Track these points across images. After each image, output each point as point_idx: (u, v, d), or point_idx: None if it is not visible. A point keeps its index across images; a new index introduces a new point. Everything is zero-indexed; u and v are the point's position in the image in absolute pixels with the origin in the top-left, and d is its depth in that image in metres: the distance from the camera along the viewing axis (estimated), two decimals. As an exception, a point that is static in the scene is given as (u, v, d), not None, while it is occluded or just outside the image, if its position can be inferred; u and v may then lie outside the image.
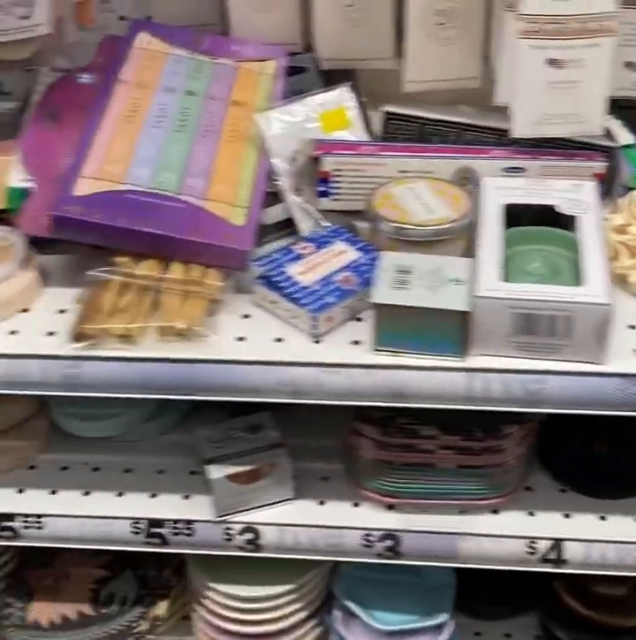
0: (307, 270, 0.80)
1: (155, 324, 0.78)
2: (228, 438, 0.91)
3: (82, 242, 0.83)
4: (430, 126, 0.91)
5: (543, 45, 0.81)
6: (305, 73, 0.97)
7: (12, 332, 0.80)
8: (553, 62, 0.82)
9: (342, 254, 0.82)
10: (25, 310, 0.82)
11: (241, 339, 0.79)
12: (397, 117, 0.92)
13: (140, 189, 0.83)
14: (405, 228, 0.80)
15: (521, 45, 0.81)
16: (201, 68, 0.99)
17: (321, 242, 0.83)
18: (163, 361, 0.77)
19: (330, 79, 1.00)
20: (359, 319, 0.81)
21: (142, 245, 0.81)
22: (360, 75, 1.02)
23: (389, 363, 0.75)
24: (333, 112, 0.92)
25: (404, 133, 0.92)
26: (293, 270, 0.80)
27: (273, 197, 0.89)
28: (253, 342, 0.78)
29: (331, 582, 1.00)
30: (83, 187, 0.82)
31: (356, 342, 0.78)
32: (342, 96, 0.93)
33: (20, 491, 0.93)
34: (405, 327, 0.74)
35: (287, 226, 0.91)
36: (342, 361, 0.76)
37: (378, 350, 0.76)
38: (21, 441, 0.95)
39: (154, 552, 0.94)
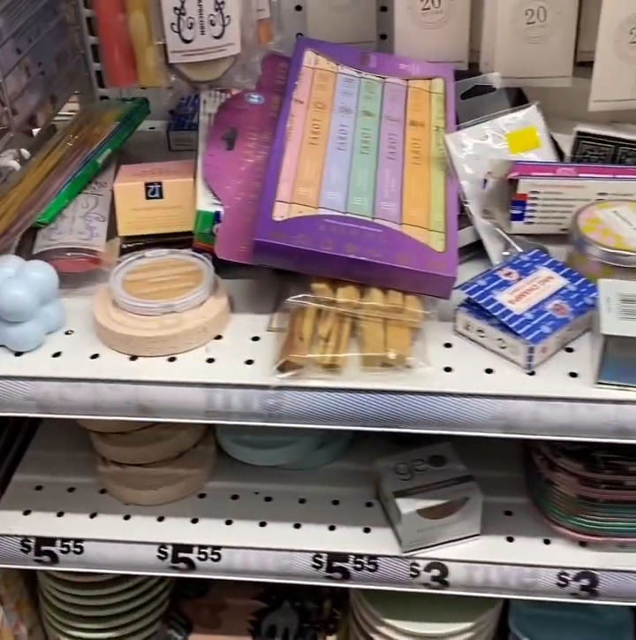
0: (517, 298, 0.76)
1: (363, 354, 0.75)
2: (412, 470, 0.87)
3: (277, 268, 0.81)
4: (624, 147, 0.88)
5: None
6: (491, 93, 0.94)
7: (210, 360, 0.78)
8: None
9: (549, 280, 0.79)
10: (218, 337, 0.80)
11: (448, 369, 0.76)
12: (590, 137, 0.88)
13: (336, 214, 0.80)
14: (622, 254, 0.76)
15: None
16: (372, 87, 0.97)
17: (524, 268, 0.80)
18: (371, 392, 0.74)
19: (503, 98, 0.98)
20: (569, 349, 0.77)
21: (342, 271, 0.78)
22: (530, 93, 1.00)
23: (615, 397, 0.72)
24: (521, 132, 0.89)
25: (596, 153, 0.88)
26: (503, 297, 0.76)
27: (461, 219, 0.86)
28: (461, 373, 0.75)
29: (503, 618, 0.97)
30: (280, 212, 0.79)
31: (573, 374, 0.74)
32: (530, 116, 0.90)
33: (194, 521, 0.91)
34: (632, 359, 0.70)
35: (472, 250, 0.88)
36: (563, 394, 0.72)
37: (600, 383, 0.72)
38: (191, 469, 0.93)
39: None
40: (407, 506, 0.84)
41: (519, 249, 0.84)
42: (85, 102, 1.18)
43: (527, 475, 0.90)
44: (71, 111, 1.13)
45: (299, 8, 1.09)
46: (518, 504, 0.90)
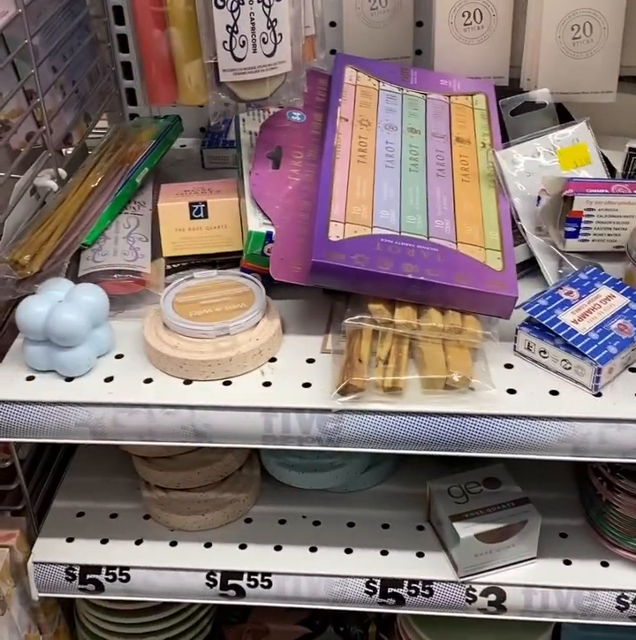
0: (581, 318, 0.75)
1: (425, 376, 0.73)
2: (466, 492, 0.86)
3: (332, 289, 0.79)
4: (678, 163, 0.87)
5: None
6: (538, 110, 0.93)
7: (266, 384, 0.76)
8: None
9: (610, 299, 0.77)
10: (273, 359, 0.79)
11: (512, 391, 0.74)
12: (643, 152, 0.87)
13: (391, 233, 0.79)
14: (687, 273, 0.75)
15: None
16: (415, 104, 0.96)
17: (584, 287, 0.78)
18: (435, 415, 0.73)
19: (547, 114, 0.97)
20: (633, 370, 0.76)
21: (400, 291, 0.76)
22: (572, 109, 0.99)
23: (686, 418, 0.71)
24: (572, 149, 0.88)
25: (649, 169, 0.88)
26: (566, 317, 0.75)
27: (514, 237, 0.85)
28: (526, 395, 0.74)
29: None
30: (336, 232, 0.78)
31: (640, 395, 0.73)
32: (580, 132, 0.89)
33: (242, 547, 0.89)
34: None
35: (525, 267, 0.87)
36: (631, 416, 0.71)
37: (670, 404, 0.71)
38: (237, 493, 0.91)
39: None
40: (465, 530, 0.82)
41: (574, 267, 0.83)
42: (115, 119, 1.16)
43: (582, 496, 0.89)
44: (101, 129, 1.12)
45: (333, 24, 1.08)
46: (574, 526, 0.88)
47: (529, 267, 0.86)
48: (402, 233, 0.79)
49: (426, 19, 1.04)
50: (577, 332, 0.74)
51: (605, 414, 0.72)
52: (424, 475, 0.91)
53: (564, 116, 0.98)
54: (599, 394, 0.73)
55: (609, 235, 0.84)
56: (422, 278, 0.75)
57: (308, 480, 0.92)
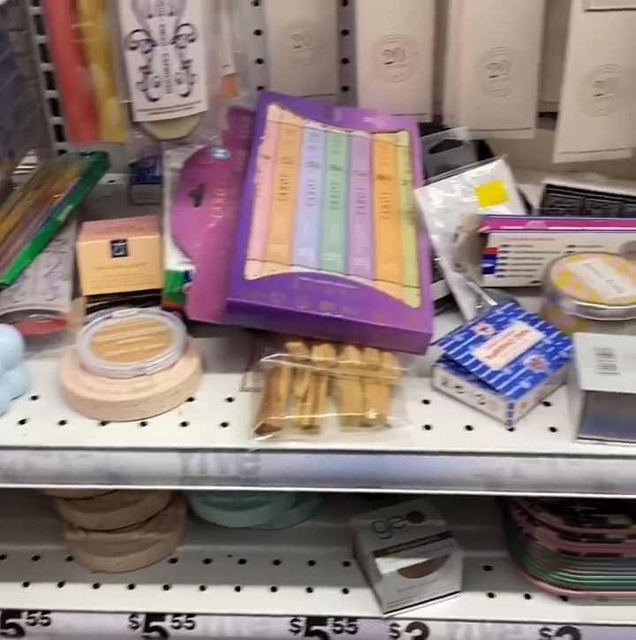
0: (494, 353, 0.76)
1: (343, 414, 0.74)
2: (391, 527, 0.86)
3: (251, 327, 0.79)
4: (591, 199, 0.89)
5: None
6: (459, 147, 0.95)
7: (184, 424, 0.76)
8: None
9: (524, 334, 0.78)
10: (191, 399, 0.78)
11: (428, 427, 0.75)
12: (558, 189, 0.89)
13: (309, 271, 0.79)
14: (597, 308, 0.76)
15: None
16: (338, 141, 0.97)
17: (499, 322, 0.79)
18: (352, 452, 0.73)
19: (468, 150, 0.98)
20: (547, 403, 0.77)
21: (317, 329, 0.77)
22: (494, 145, 1.01)
23: (596, 452, 0.71)
24: (489, 186, 0.89)
25: (564, 205, 0.89)
26: (480, 353, 0.76)
27: (432, 273, 0.86)
28: (441, 431, 0.74)
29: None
30: (253, 271, 0.78)
31: (552, 429, 0.74)
32: (497, 169, 0.90)
33: (166, 588, 0.88)
34: (611, 414, 0.70)
35: (444, 303, 0.87)
36: (544, 450, 0.72)
37: (581, 438, 0.72)
38: (161, 533, 0.90)
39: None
40: (387, 565, 0.82)
41: (492, 302, 0.84)
42: (43, 156, 1.16)
43: (506, 529, 0.89)
44: (28, 165, 1.11)
45: (260, 61, 1.09)
46: (498, 558, 0.89)
47: (448, 303, 0.87)
48: (320, 271, 0.80)
49: (351, 56, 1.06)
50: (490, 368, 0.74)
51: (518, 448, 0.72)
52: (352, 510, 0.91)
53: (485, 152, 1.00)
54: (512, 429, 0.74)
55: (525, 271, 0.85)
56: (339, 316, 0.76)
57: (234, 518, 0.91)
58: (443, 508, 0.88)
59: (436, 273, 0.86)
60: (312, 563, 0.90)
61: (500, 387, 0.73)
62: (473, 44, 0.95)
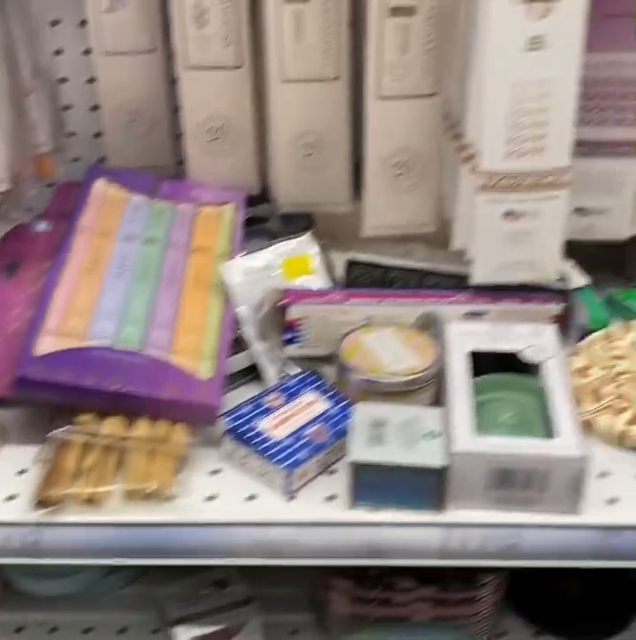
0: (278, 424, 0.79)
1: (122, 487, 0.75)
2: (194, 595, 0.87)
3: (45, 401, 0.81)
4: (393, 272, 0.93)
5: (500, 199, 0.84)
6: (267, 222, 0.98)
7: (-29, 497, 0.77)
8: (509, 214, 0.85)
9: (312, 404, 0.81)
10: (-18, 472, 0.79)
11: (212, 497, 0.77)
12: (359, 264, 0.93)
13: (104, 345, 0.81)
14: (375, 380, 0.80)
15: (479, 200, 0.84)
16: (161, 214, 0.99)
17: (290, 393, 0.82)
18: (131, 525, 0.74)
19: (290, 222, 1.02)
20: (332, 472, 0.80)
21: (109, 403, 0.79)
22: (319, 217, 1.05)
23: (366, 520, 0.74)
24: (296, 260, 0.93)
25: (366, 278, 0.93)
26: (264, 424, 0.78)
27: (237, 344, 0.89)
28: (224, 501, 0.76)
29: None
30: (45, 345, 0.80)
31: (331, 497, 0.76)
32: (304, 244, 0.94)
33: (-28, 661, 0.88)
34: (381, 483, 0.73)
35: (251, 372, 0.90)
36: (318, 519, 0.74)
37: (354, 506, 0.74)
38: (-28, 604, 0.91)
39: None
40: (184, 634, 0.83)
41: (295, 371, 0.87)
42: None
43: (309, 592, 0.92)
44: None
45: (98, 135, 1.12)
46: (303, 622, 0.91)
47: (254, 373, 0.90)
48: (116, 345, 0.82)
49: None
50: (271, 439, 0.77)
51: (295, 518, 0.75)
52: (170, 577, 0.92)
53: (308, 225, 1.04)
54: (293, 497, 0.76)
55: (325, 341, 0.88)
56: (124, 390, 0.78)
57: (45, 587, 0.92)
58: (253, 573, 0.90)
59: (242, 344, 0.89)
60: (123, 631, 0.91)
61: (277, 458, 0.76)
62: (285, 124, 0.99)
